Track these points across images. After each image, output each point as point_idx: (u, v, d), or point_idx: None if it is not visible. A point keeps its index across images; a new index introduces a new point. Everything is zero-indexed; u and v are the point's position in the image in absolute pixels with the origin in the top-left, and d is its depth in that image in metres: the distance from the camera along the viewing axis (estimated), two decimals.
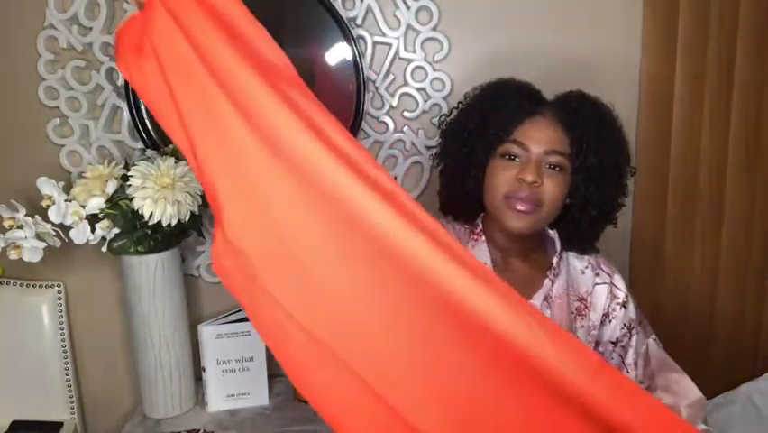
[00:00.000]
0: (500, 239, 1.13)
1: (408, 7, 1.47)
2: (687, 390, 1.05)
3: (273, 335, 0.80)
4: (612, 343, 1.13)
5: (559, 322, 1.09)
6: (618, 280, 1.15)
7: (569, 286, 1.14)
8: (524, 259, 1.15)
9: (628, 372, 1.11)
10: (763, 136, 1.51)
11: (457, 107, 1.18)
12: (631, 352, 1.12)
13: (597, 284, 1.15)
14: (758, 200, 1.54)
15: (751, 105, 1.49)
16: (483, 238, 1.14)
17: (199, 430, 1.39)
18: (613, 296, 1.14)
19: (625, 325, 1.13)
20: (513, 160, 1.06)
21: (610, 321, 1.13)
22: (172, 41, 0.80)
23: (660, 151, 1.51)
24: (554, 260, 1.14)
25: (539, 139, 1.05)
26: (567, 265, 1.17)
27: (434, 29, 1.49)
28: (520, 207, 1.04)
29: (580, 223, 1.11)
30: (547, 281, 1.13)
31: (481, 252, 1.13)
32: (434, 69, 1.51)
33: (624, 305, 1.13)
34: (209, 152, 0.81)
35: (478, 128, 1.09)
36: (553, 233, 1.15)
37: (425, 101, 1.52)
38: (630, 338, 1.13)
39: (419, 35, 1.49)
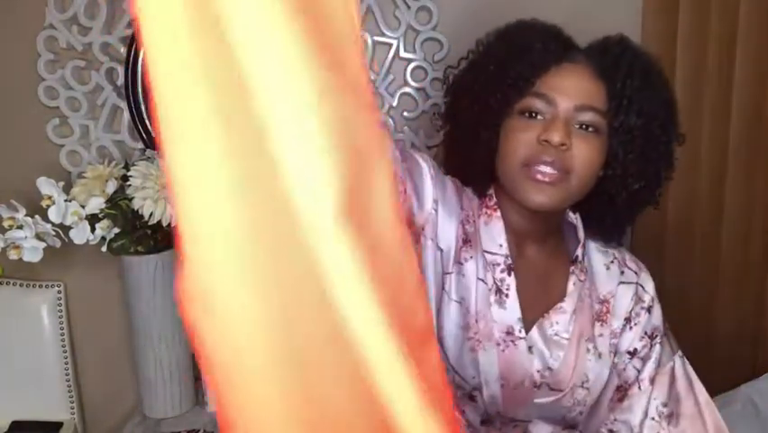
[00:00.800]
0: (515, 218, 0.91)
1: (408, 7, 1.47)
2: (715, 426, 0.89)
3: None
4: (629, 353, 0.93)
5: (580, 331, 0.91)
6: (646, 280, 0.96)
7: (590, 285, 0.95)
8: (540, 246, 0.94)
9: (640, 388, 0.92)
10: (764, 136, 1.51)
11: (467, 57, 0.96)
12: (650, 365, 0.93)
13: (621, 283, 0.95)
14: (758, 200, 1.54)
15: (751, 105, 1.49)
16: (498, 214, 0.91)
17: (199, 430, 1.39)
18: (638, 298, 0.94)
19: (646, 333, 0.94)
20: (534, 117, 0.85)
21: (631, 328, 0.93)
22: None
23: None
24: (579, 252, 0.93)
25: (569, 91, 0.83)
26: (590, 258, 0.96)
27: (434, 29, 1.49)
28: (542, 176, 0.82)
29: (616, 201, 0.89)
30: (575, 281, 0.92)
31: (495, 232, 0.90)
32: (434, 69, 1.51)
33: (649, 309, 0.94)
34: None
35: (491, 79, 0.87)
36: (574, 217, 0.95)
37: (425, 101, 1.52)
38: (651, 349, 0.93)
39: (419, 35, 1.49)
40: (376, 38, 1.49)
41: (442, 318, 0.87)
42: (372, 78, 1.51)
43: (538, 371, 0.89)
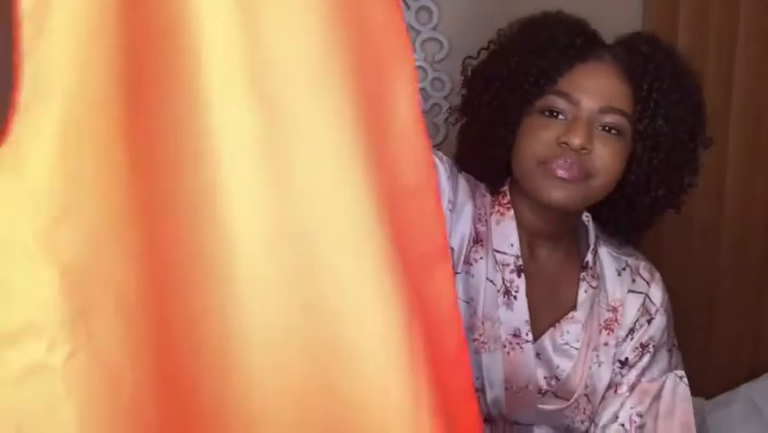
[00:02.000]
0: (529, 217, 0.87)
1: (408, 7, 1.47)
2: None
3: None
4: (620, 362, 0.89)
5: (589, 339, 0.88)
6: (655, 292, 0.92)
7: (600, 291, 0.90)
8: (553, 249, 0.90)
9: (617, 392, 0.88)
10: (764, 137, 1.51)
11: (487, 47, 0.90)
12: (633, 372, 0.88)
13: (631, 291, 0.91)
14: (758, 200, 1.54)
15: (751, 106, 1.49)
16: (512, 213, 0.86)
17: None
18: (645, 309, 0.90)
19: (641, 343, 0.89)
20: (555, 117, 0.80)
21: (632, 339, 0.89)
22: None
23: None
24: (589, 257, 0.89)
25: (593, 91, 0.79)
26: (602, 265, 0.92)
27: (434, 29, 1.48)
28: (563, 171, 0.78)
29: (637, 206, 0.85)
30: (586, 288, 0.89)
31: (507, 231, 0.86)
32: (434, 70, 1.51)
33: (649, 321, 0.90)
34: None
35: (512, 74, 0.82)
36: (585, 217, 0.90)
37: (425, 101, 1.52)
38: (640, 358, 0.88)
39: (419, 35, 1.49)
40: None
41: None
42: None
43: (545, 378, 0.87)
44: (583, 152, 0.78)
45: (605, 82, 0.80)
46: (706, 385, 1.60)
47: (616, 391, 0.88)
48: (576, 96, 0.79)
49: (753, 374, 1.58)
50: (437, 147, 1.55)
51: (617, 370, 0.88)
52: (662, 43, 0.84)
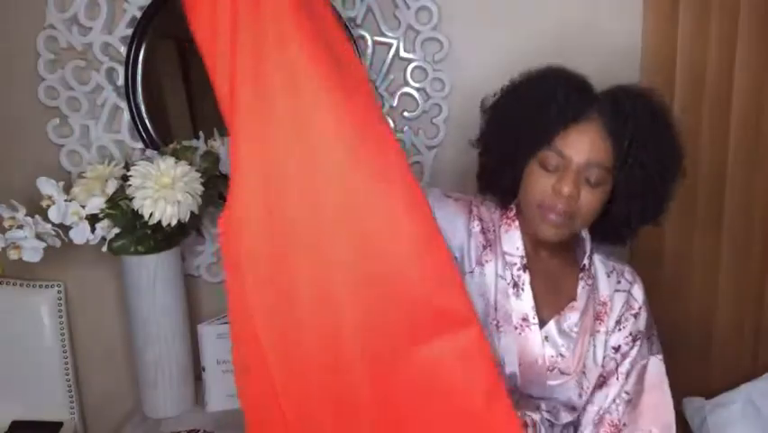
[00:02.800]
0: (531, 231, 1.08)
1: (408, 7, 1.47)
2: (661, 414, 1.06)
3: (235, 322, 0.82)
4: (614, 348, 1.10)
5: (586, 327, 1.08)
6: (637, 291, 1.12)
7: (594, 289, 1.12)
8: (552, 252, 1.11)
9: (618, 379, 1.09)
10: (764, 136, 1.51)
11: (503, 90, 1.09)
12: (627, 361, 1.09)
13: (617, 291, 1.12)
14: (758, 200, 1.54)
15: (751, 106, 1.49)
16: (517, 224, 1.08)
17: (199, 430, 1.39)
18: (629, 306, 1.11)
19: (631, 334, 1.09)
20: (551, 170, 1.00)
21: (620, 330, 1.10)
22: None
23: None
24: (585, 261, 1.10)
25: (581, 149, 0.97)
26: (594, 267, 1.13)
27: (434, 29, 1.49)
28: (553, 217, 0.99)
29: (619, 230, 1.07)
30: (584, 285, 1.10)
31: (513, 238, 1.08)
32: (434, 70, 1.51)
33: (636, 315, 1.10)
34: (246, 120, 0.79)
35: (517, 129, 1.02)
36: (583, 231, 1.11)
37: (425, 101, 1.53)
38: (631, 348, 1.09)
39: (419, 35, 1.49)
40: (376, 38, 1.49)
41: None
42: (372, 78, 1.52)
43: (551, 356, 1.06)
44: (571, 198, 0.98)
45: (592, 141, 0.97)
46: (706, 385, 1.60)
47: (617, 378, 1.08)
48: (568, 153, 0.98)
49: (753, 374, 1.58)
50: (437, 147, 1.55)
51: (612, 355, 1.09)
52: (642, 98, 1.00)
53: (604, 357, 1.09)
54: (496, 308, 1.06)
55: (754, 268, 1.57)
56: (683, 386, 1.60)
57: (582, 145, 0.97)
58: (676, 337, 1.60)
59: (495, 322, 1.06)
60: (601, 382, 1.09)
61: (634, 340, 1.09)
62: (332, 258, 0.79)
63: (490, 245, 1.08)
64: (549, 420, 1.09)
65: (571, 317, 1.08)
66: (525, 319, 1.06)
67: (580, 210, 0.99)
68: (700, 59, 1.46)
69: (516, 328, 1.06)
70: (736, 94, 1.48)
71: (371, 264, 0.79)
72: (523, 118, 1.01)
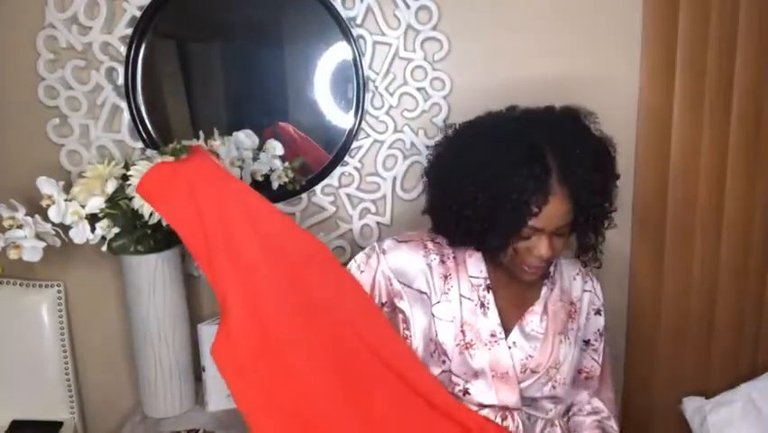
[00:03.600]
0: (511, 271, 1.17)
1: (408, 7, 1.47)
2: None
3: (257, 408, 1.07)
4: (585, 342, 1.25)
5: (555, 328, 1.19)
6: (599, 291, 1.27)
7: (563, 292, 1.23)
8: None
9: (600, 376, 1.27)
10: (763, 143, 1.51)
11: (442, 144, 1.18)
12: (600, 355, 1.27)
13: (585, 291, 1.26)
14: (758, 200, 1.54)
15: (750, 114, 1.49)
16: (479, 254, 1.19)
17: (199, 430, 1.39)
18: (592, 303, 1.26)
19: (597, 330, 1.26)
20: (526, 237, 1.10)
21: (587, 325, 1.26)
22: (209, 183, 1.13)
23: (660, 154, 1.51)
24: (551, 269, 1.22)
25: (551, 222, 1.07)
26: (561, 271, 1.24)
27: (434, 29, 1.48)
28: (534, 270, 1.13)
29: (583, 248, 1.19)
30: (545, 290, 1.21)
31: (477, 263, 1.18)
32: (434, 69, 1.51)
33: (598, 312, 1.27)
34: (225, 267, 1.09)
35: (489, 218, 1.08)
36: None
37: (425, 101, 1.52)
38: (600, 343, 1.27)
39: (419, 35, 1.49)
40: (376, 37, 1.49)
41: (439, 336, 1.16)
42: (372, 77, 1.52)
43: (521, 360, 1.16)
44: (550, 256, 1.10)
45: (559, 212, 1.07)
46: (706, 385, 1.60)
47: (600, 375, 1.27)
48: (540, 226, 1.07)
49: (753, 374, 1.58)
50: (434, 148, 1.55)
51: (584, 348, 1.25)
52: (588, 154, 1.07)
53: (581, 351, 1.24)
54: (463, 330, 1.16)
55: (754, 268, 1.57)
56: (683, 386, 1.60)
57: (552, 219, 1.06)
58: (676, 337, 1.60)
59: (463, 342, 1.15)
60: (588, 377, 1.26)
61: (600, 336, 1.27)
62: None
63: (450, 273, 1.18)
64: (529, 413, 1.19)
65: (533, 321, 1.18)
66: (493, 335, 1.16)
67: (555, 255, 1.12)
68: (700, 59, 1.46)
69: (486, 345, 1.15)
70: (736, 94, 1.48)
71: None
72: (489, 208, 1.07)
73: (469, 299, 1.17)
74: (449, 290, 1.17)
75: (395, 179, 1.57)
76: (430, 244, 1.20)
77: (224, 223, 1.10)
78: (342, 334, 1.12)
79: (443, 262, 1.19)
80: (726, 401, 1.53)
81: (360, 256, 1.23)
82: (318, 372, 1.09)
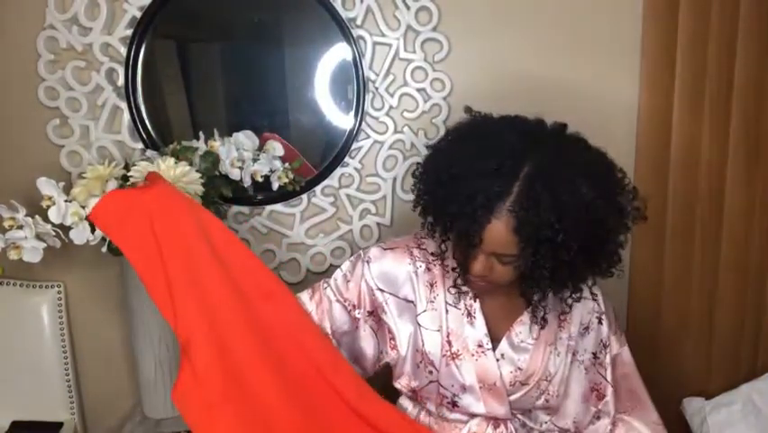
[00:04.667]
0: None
1: (408, 7, 1.47)
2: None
3: None
4: (592, 354, 1.18)
5: (545, 339, 1.13)
6: (600, 297, 1.18)
7: (551, 299, 1.13)
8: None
9: (608, 383, 1.19)
10: (763, 143, 1.51)
11: (431, 150, 1.11)
12: (608, 368, 1.19)
13: (581, 297, 1.14)
14: (758, 200, 1.54)
15: (750, 113, 1.49)
16: None
17: None
18: (592, 310, 1.17)
19: (601, 341, 1.18)
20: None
21: (589, 333, 1.17)
22: (170, 217, 1.05)
23: (660, 152, 1.51)
24: None
25: (489, 242, 0.98)
26: None
27: (434, 29, 1.49)
28: (475, 281, 1.06)
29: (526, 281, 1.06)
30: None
31: None
32: (434, 70, 1.51)
33: (600, 321, 1.17)
34: (187, 306, 1.04)
35: (439, 217, 1.05)
36: None
37: (425, 101, 1.53)
38: (605, 356, 1.19)
39: (419, 35, 1.49)
40: (376, 38, 1.50)
41: (426, 345, 1.13)
42: (372, 78, 1.52)
43: (510, 372, 1.12)
44: (483, 275, 1.02)
45: (499, 239, 0.97)
46: (706, 385, 1.60)
47: (635, 394, 1.20)
48: (476, 242, 0.98)
49: (753, 374, 1.58)
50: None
51: (591, 361, 1.18)
52: (550, 199, 0.93)
53: (582, 361, 1.17)
54: (449, 340, 1.12)
55: (754, 268, 1.57)
56: (683, 386, 1.61)
57: (490, 239, 0.97)
58: (677, 337, 1.60)
59: (449, 353, 1.12)
60: (599, 395, 1.19)
61: (605, 347, 1.19)
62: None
63: (436, 281, 1.14)
64: (523, 421, 1.16)
65: (522, 331, 1.13)
66: (480, 345, 1.12)
67: (496, 280, 1.03)
68: (700, 59, 1.46)
69: (473, 355, 1.11)
70: (735, 94, 1.48)
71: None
72: (445, 216, 1.02)
73: (454, 306, 1.13)
74: (434, 298, 1.14)
75: (395, 179, 1.57)
76: (416, 252, 1.17)
77: (187, 257, 1.04)
78: (303, 370, 1.08)
79: (428, 269, 1.15)
80: (727, 402, 1.53)
81: (346, 265, 1.19)
82: (285, 409, 1.05)
